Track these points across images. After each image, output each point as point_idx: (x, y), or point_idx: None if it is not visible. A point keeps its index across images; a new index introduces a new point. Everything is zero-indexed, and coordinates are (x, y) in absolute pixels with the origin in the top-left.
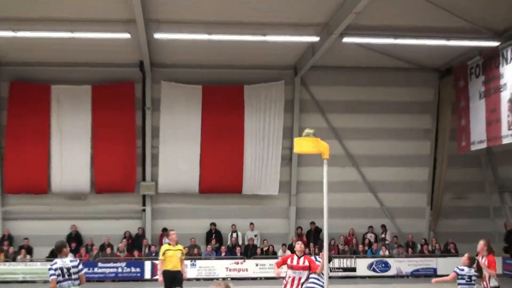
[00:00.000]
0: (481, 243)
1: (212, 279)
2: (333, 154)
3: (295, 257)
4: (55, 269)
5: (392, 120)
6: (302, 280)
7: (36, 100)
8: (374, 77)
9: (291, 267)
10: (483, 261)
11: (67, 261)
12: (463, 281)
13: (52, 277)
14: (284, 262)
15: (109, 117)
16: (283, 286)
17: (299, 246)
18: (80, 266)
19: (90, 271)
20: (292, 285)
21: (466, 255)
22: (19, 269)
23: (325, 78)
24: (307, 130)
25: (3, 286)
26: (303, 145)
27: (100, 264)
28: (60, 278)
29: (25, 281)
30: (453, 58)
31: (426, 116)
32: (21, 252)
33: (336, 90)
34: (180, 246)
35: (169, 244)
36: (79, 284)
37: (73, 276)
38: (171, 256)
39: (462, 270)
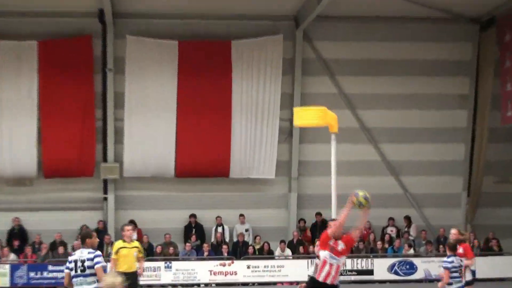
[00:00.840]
0: (454, 232)
1: (192, 285)
2: (344, 127)
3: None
4: (69, 262)
5: (419, 84)
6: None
7: None
8: (396, 30)
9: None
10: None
11: (85, 252)
12: (457, 274)
13: (66, 270)
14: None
15: (60, 81)
16: (317, 271)
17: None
18: (97, 259)
19: (38, 275)
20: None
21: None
22: None
23: (333, 31)
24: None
25: None
26: (306, 116)
27: (50, 267)
28: (73, 272)
29: None
30: (497, 6)
31: (462, 79)
32: None
33: (348, 47)
34: (136, 243)
35: (124, 240)
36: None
37: (87, 271)
38: (125, 256)
39: (452, 262)
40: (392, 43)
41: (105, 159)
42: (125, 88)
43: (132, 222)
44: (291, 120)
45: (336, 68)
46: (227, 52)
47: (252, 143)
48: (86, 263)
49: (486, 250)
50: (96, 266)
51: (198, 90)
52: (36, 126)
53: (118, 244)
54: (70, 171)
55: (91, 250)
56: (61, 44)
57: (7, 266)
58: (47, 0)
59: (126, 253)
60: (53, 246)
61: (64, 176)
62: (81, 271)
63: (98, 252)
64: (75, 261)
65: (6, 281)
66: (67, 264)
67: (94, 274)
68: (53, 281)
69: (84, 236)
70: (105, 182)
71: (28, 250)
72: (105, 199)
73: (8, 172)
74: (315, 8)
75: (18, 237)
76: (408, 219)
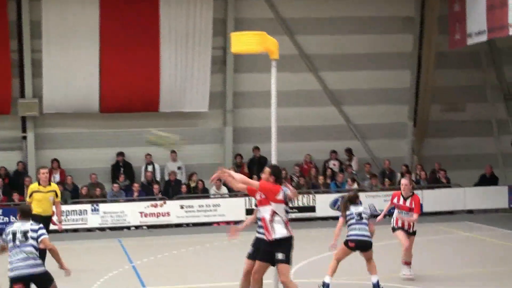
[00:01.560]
0: (404, 181)
1: (121, 228)
2: (282, 54)
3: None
4: (6, 234)
5: (362, 6)
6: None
7: None
8: None
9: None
10: (407, 203)
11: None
12: (353, 221)
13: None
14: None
15: None
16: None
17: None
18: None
19: None
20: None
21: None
22: None
23: None
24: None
25: None
26: (244, 41)
27: None
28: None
29: None
30: None
31: (407, 0)
32: None
33: None
34: (53, 186)
35: (39, 184)
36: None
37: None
38: (39, 200)
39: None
40: None
41: (22, 95)
42: (42, 16)
43: (56, 161)
44: (224, 48)
45: None
46: None
47: (182, 73)
48: (30, 234)
49: (433, 182)
50: (42, 237)
51: (122, 17)
52: None
53: (33, 187)
54: None
55: (33, 222)
56: None
57: None
58: None
59: (41, 198)
60: None
61: None
62: (20, 242)
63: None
64: (14, 233)
65: None
66: (3, 236)
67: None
68: None
69: (25, 212)
70: (24, 119)
71: None
72: (24, 138)
73: None
74: None
75: None
76: (350, 151)
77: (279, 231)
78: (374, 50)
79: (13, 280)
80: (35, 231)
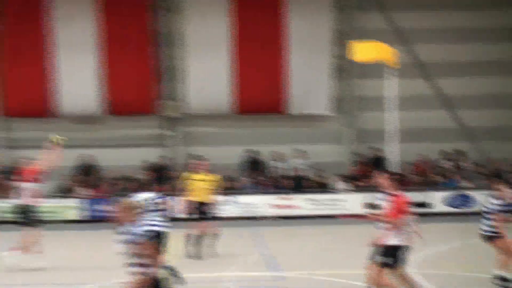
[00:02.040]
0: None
1: (254, 217)
2: (400, 62)
3: None
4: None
5: (478, 15)
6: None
7: (32, 4)
8: None
9: None
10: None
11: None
12: None
13: None
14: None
15: (118, 21)
16: None
17: None
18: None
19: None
20: None
21: None
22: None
23: None
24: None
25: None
26: (363, 51)
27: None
28: None
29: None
30: None
31: None
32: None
33: None
34: (213, 176)
35: (195, 173)
36: None
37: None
38: (197, 187)
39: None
40: None
41: (166, 98)
42: (181, 26)
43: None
44: (346, 57)
45: (389, 3)
46: None
47: (308, 80)
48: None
49: None
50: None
51: (252, 27)
52: (97, 66)
53: (188, 175)
54: (132, 109)
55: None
56: None
57: (77, 200)
58: None
59: (197, 185)
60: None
61: (127, 113)
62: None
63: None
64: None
65: (75, 214)
66: None
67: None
68: None
69: None
70: (167, 119)
71: (103, 185)
72: (168, 136)
73: (74, 111)
74: None
75: (85, 172)
76: (462, 153)
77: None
78: (487, 58)
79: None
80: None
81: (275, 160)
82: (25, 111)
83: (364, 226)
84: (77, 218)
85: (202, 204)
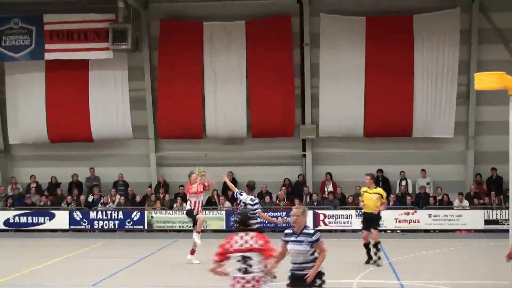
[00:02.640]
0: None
1: (380, 231)
2: None
3: None
4: None
5: None
6: None
7: (187, 39)
8: None
9: None
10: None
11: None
12: None
13: None
14: None
15: (264, 55)
16: None
17: None
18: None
19: None
20: None
21: None
22: (175, 217)
23: (508, 2)
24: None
25: (159, 234)
26: (485, 80)
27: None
28: None
29: (182, 229)
30: None
31: None
32: (177, 200)
33: None
34: (379, 190)
35: (368, 187)
36: None
37: None
38: (367, 198)
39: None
40: None
41: (303, 122)
42: (319, 59)
43: (329, 174)
44: (467, 85)
45: (511, 36)
46: (410, 25)
47: (432, 105)
48: None
49: None
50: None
51: (383, 59)
52: (245, 94)
53: (364, 189)
54: (274, 132)
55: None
56: (265, 23)
57: (223, 212)
58: None
59: (367, 197)
60: (260, 195)
61: (268, 136)
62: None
63: None
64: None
65: (222, 224)
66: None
67: None
68: (260, 225)
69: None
70: (304, 141)
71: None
72: (304, 156)
73: (223, 133)
74: None
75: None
76: None
77: None
78: None
79: None
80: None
81: (402, 179)
82: (176, 134)
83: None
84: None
85: (370, 214)
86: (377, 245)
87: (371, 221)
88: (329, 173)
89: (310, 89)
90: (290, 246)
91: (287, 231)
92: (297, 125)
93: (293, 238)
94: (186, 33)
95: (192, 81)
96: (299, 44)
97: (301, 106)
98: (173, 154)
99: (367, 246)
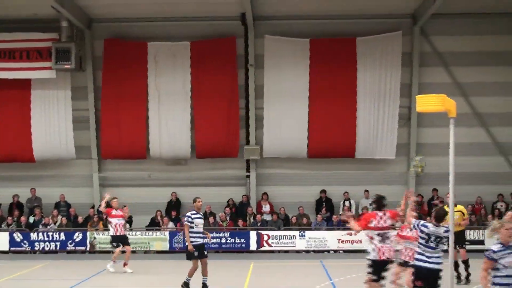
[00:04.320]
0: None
1: (323, 251)
2: (459, 112)
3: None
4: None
5: None
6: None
7: (132, 59)
8: (506, 24)
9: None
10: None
11: (440, 229)
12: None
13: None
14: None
15: (209, 76)
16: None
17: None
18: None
19: None
20: None
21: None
22: None
23: (448, 26)
24: None
25: (102, 256)
26: (427, 102)
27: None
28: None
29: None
30: None
31: None
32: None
33: (462, 40)
34: (460, 207)
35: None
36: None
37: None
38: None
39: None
40: (501, 36)
41: (247, 142)
42: (264, 81)
43: (265, 194)
44: (409, 107)
45: (451, 60)
46: (353, 47)
47: (375, 127)
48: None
49: None
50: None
51: (327, 82)
52: (189, 115)
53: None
54: (218, 152)
55: (446, 227)
56: (209, 44)
57: (167, 233)
58: (197, 5)
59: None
60: (204, 216)
61: (213, 156)
62: (434, 245)
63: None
64: (428, 235)
65: (166, 245)
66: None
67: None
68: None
69: (440, 215)
70: (248, 162)
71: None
72: (248, 176)
73: (167, 154)
74: (430, 7)
75: (175, 208)
76: None
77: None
78: None
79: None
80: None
81: (346, 199)
82: (122, 154)
83: None
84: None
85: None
86: (466, 263)
87: (456, 239)
88: (266, 193)
89: (255, 110)
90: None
91: (495, 247)
92: (242, 146)
93: (508, 251)
94: (131, 53)
95: (136, 101)
96: (244, 65)
97: (245, 127)
98: (117, 175)
99: (456, 265)
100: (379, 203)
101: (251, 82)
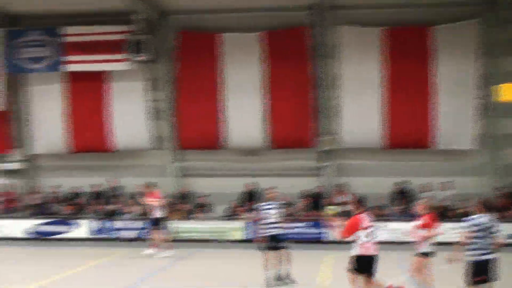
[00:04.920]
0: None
1: (402, 243)
2: None
3: None
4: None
5: None
6: None
7: (205, 50)
8: None
9: None
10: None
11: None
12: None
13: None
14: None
15: (281, 66)
16: None
17: None
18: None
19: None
20: None
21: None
22: (196, 227)
23: None
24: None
25: (179, 244)
26: (507, 92)
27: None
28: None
29: (202, 239)
30: None
31: None
32: (198, 210)
33: None
34: None
35: None
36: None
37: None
38: None
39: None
40: None
41: (321, 133)
42: (338, 70)
43: (345, 185)
44: (487, 96)
45: None
46: (429, 36)
47: (453, 117)
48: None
49: None
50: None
51: (403, 70)
52: (262, 105)
53: None
54: (292, 143)
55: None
56: (282, 34)
57: (242, 223)
58: None
59: None
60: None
61: (287, 147)
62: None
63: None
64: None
65: (241, 235)
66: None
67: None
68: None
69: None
70: (322, 152)
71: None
72: (323, 167)
73: (241, 144)
74: None
75: (250, 198)
76: None
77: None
78: None
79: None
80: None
81: (422, 191)
82: (196, 145)
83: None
84: (242, 238)
85: None
86: None
87: None
88: (341, 184)
89: (328, 101)
90: None
91: None
92: (316, 136)
93: None
94: (204, 44)
95: (211, 92)
96: (316, 55)
97: (320, 118)
98: (193, 165)
99: None
100: (360, 204)
101: (324, 71)
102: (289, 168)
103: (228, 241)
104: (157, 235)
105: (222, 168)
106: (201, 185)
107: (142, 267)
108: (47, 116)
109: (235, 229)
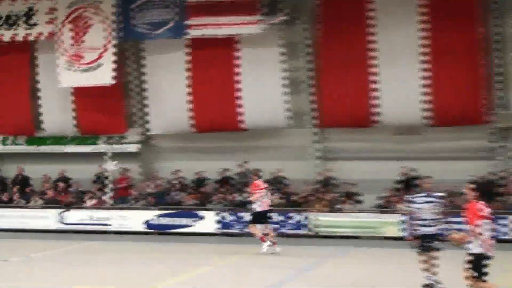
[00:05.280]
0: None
1: None
2: None
3: None
4: None
5: None
6: None
7: (352, 9)
8: None
9: None
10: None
11: None
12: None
13: None
14: None
15: (445, 27)
16: None
17: None
18: None
19: None
20: None
21: None
22: (344, 221)
23: None
24: None
25: (325, 241)
26: None
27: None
28: None
29: (349, 236)
30: None
31: None
32: (344, 200)
33: None
34: None
35: None
36: None
37: None
38: None
39: None
40: None
41: (497, 106)
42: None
43: None
44: None
45: None
46: None
47: None
48: None
49: None
50: None
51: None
52: (422, 74)
53: None
54: (458, 119)
55: None
56: None
57: (399, 216)
58: None
59: None
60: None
61: (453, 124)
62: None
63: None
64: None
65: (398, 231)
66: None
67: None
68: None
69: None
70: (497, 130)
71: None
72: (497, 148)
73: (395, 121)
74: None
75: (406, 186)
76: None
77: None
78: None
79: None
80: None
81: None
82: (342, 122)
83: None
84: (398, 235)
85: None
86: None
87: None
88: None
89: (505, 67)
90: None
91: None
92: (488, 110)
93: None
94: (351, 4)
95: (359, 59)
96: (488, 13)
97: (493, 87)
98: (338, 146)
99: None
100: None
101: (499, 33)
102: (455, 149)
103: (381, 238)
104: (256, 230)
105: (372, 150)
106: (347, 170)
107: (282, 268)
108: (166, 91)
109: (390, 223)
